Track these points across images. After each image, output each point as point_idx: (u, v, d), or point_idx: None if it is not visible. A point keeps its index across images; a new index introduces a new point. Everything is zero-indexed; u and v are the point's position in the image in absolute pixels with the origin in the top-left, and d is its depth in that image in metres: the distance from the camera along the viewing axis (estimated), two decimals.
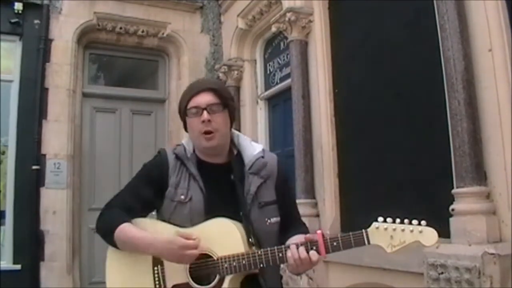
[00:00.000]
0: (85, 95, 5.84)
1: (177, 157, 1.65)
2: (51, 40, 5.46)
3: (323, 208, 4.36)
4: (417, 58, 3.58)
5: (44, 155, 5.25)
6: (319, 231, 1.49)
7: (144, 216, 1.65)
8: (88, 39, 5.88)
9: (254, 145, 1.70)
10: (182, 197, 1.58)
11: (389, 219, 1.45)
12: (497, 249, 2.69)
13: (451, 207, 2.95)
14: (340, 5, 4.57)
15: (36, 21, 5.39)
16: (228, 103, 1.64)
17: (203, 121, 1.57)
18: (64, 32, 5.54)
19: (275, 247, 1.49)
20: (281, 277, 1.76)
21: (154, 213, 1.69)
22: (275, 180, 1.66)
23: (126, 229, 1.54)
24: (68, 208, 5.25)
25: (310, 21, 4.70)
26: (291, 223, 1.66)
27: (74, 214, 5.38)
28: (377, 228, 1.45)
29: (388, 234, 1.44)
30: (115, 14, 5.86)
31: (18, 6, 5.23)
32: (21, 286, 4.84)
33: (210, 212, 1.55)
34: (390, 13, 3.90)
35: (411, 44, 3.66)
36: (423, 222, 1.43)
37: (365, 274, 3.73)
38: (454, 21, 3.05)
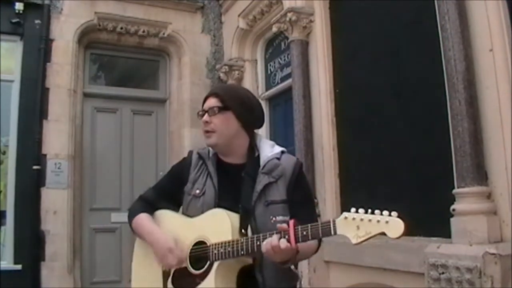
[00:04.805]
0: (86, 95, 5.84)
1: (200, 156, 1.83)
2: (52, 40, 5.45)
3: (324, 208, 4.36)
4: (418, 58, 3.59)
5: (45, 155, 5.24)
6: (291, 221, 1.51)
7: (175, 209, 1.84)
8: (89, 39, 5.88)
9: (274, 148, 1.82)
10: (197, 191, 1.75)
11: (361, 210, 1.41)
12: (498, 249, 2.69)
13: (452, 207, 2.95)
14: (341, 5, 4.57)
15: (37, 21, 5.38)
16: (231, 105, 1.75)
17: (203, 122, 1.77)
18: (65, 32, 5.53)
19: (255, 236, 1.57)
20: (297, 278, 1.79)
21: None
22: (287, 181, 1.74)
23: (139, 219, 1.79)
24: (69, 208, 5.25)
25: (311, 21, 4.70)
26: (300, 223, 1.64)
27: (75, 214, 5.38)
28: (345, 218, 1.42)
29: (355, 225, 1.39)
30: (116, 14, 5.85)
31: (19, 6, 5.22)
32: (21, 286, 4.84)
33: (220, 205, 1.68)
34: (391, 13, 3.90)
35: (412, 44, 3.66)
36: (393, 213, 1.37)
37: (365, 274, 3.74)
38: (455, 21, 3.05)
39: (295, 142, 4.64)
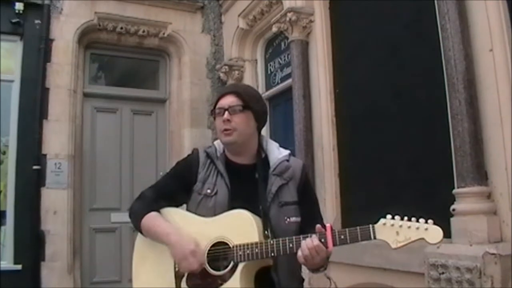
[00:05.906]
0: (86, 95, 5.83)
1: (208, 155, 1.80)
2: (52, 40, 5.45)
3: (324, 208, 4.35)
4: (418, 58, 3.58)
5: (45, 155, 5.24)
6: (328, 224, 1.56)
7: (176, 206, 1.79)
8: (89, 39, 5.88)
9: (281, 150, 1.83)
10: (209, 191, 1.73)
11: (397, 217, 1.48)
12: (498, 249, 2.70)
13: (452, 207, 2.95)
14: (341, 5, 4.57)
15: (37, 21, 5.38)
16: (251, 105, 1.75)
17: (223, 121, 1.72)
18: (65, 32, 5.53)
19: (287, 238, 1.57)
20: (303, 280, 1.84)
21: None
22: (297, 183, 1.77)
23: (151, 218, 1.71)
24: (69, 208, 5.25)
25: (311, 21, 4.70)
26: (308, 224, 1.69)
27: (75, 214, 5.38)
28: (384, 224, 1.48)
29: (394, 230, 1.46)
30: (116, 14, 5.85)
31: (19, 6, 5.22)
32: (21, 286, 4.84)
33: (233, 206, 1.67)
34: (391, 13, 3.90)
35: (412, 44, 3.66)
36: (430, 221, 1.45)
37: (366, 274, 3.73)
38: (455, 21, 3.05)
39: (295, 142, 4.64)
